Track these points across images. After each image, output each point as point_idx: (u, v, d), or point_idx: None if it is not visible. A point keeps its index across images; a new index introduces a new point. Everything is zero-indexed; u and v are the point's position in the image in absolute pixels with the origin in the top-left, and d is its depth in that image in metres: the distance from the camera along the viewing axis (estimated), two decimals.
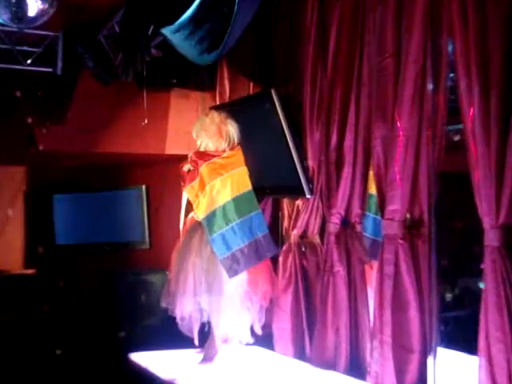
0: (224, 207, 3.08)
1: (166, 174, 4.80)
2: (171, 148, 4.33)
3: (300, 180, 3.18)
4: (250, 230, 3.13)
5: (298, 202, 3.36)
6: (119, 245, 5.18)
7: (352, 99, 2.95)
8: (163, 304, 3.17)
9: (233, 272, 3.05)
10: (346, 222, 3.06)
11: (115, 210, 5.17)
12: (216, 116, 3.23)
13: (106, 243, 5.14)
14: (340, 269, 3.02)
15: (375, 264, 2.78)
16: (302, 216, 3.30)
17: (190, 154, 3.21)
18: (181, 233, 3.35)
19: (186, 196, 3.29)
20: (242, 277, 3.10)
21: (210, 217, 3.06)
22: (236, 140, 3.26)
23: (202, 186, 3.10)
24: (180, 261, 3.15)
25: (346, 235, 3.06)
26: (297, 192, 3.26)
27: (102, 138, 4.22)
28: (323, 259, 3.13)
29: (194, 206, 3.14)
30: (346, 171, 3.01)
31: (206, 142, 3.21)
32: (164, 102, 4.28)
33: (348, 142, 3.01)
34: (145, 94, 3.92)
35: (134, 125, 4.07)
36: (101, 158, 4.61)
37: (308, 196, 3.21)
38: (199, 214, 3.11)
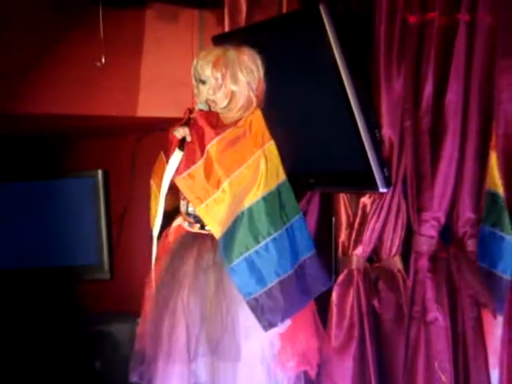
0: (250, 213, 3.02)
1: (137, 151, 4.76)
2: (147, 107, 4.33)
3: (368, 162, 3.17)
4: (292, 249, 3.10)
5: (365, 200, 3.38)
6: (60, 273, 5.19)
7: (460, 23, 2.97)
8: (133, 378, 3.17)
9: (270, 322, 3.04)
10: (448, 236, 3.12)
11: (53, 213, 5.18)
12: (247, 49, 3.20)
13: (36, 270, 5.14)
14: (439, 316, 3.07)
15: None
16: (372, 224, 3.33)
17: (194, 112, 3.15)
18: (153, 251, 3.27)
19: (166, 184, 3.21)
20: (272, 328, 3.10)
21: (230, 231, 3.01)
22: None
23: (214, 178, 3.06)
24: (161, 300, 3.15)
25: (449, 258, 3.11)
26: (363, 182, 3.27)
27: (29, 90, 4.17)
28: (409, 298, 3.18)
29: (200, 211, 3.10)
30: (449, 146, 3.06)
31: (240, 93, 3.14)
32: (134, 28, 4.29)
33: (452, 96, 3.03)
34: (100, 13, 3.93)
35: (84, 67, 4.09)
36: (27, 124, 4.62)
37: (382, 189, 3.21)
38: (213, 226, 3.07)
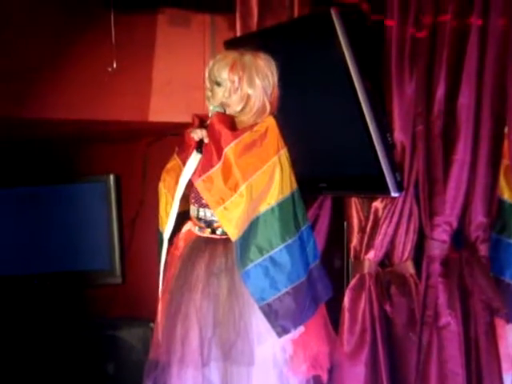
0: (266, 219, 3.01)
1: (149, 156, 4.77)
2: (158, 112, 4.32)
3: (380, 166, 3.16)
4: (304, 256, 3.09)
5: (377, 205, 3.38)
6: (72, 277, 5.18)
7: (473, 27, 2.97)
8: (147, 383, 3.14)
9: (284, 328, 3.02)
10: (460, 241, 3.12)
11: (65, 218, 5.16)
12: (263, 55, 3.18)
13: (48, 275, 5.14)
14: (451, 321, 3.07)
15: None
16: (384, 228, 3.32)
17: (211, 114, 3.11)
18: (162, 255, 3.25)
19: (182, 186, 3.17)
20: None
21: (246, 235, 3.01)
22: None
23: (232, 181, 3.04)
24: (174, 305, 3.14)
25: (462, 263, 3.11)
26: (375, 187, 3.27)
27: (41, 95, 4.17)
28: (421, 303, 3.17)
29: (218, 213, 3.09)
30: (462, 150, 3.05)
31: (256, 97, 3.11)
32: (146, 33, 4.28)
33: (464, 100, 3.03)
34: (112, 18, 3.92)
35: (96, 72, 4.08)
36: (39, 129, 4.60)
37: (394, 194, 3.20)
38: (230, 228, 3.06)
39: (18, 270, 5.18)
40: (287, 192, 3.04)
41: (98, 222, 5.16)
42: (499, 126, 2.99)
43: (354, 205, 3.50)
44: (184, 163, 3.12)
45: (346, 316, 3.38)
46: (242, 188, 3.01)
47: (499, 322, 3.09)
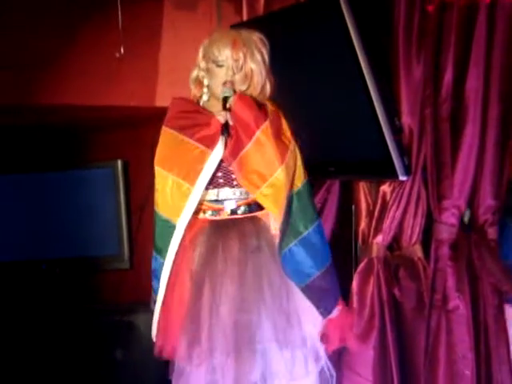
0: (299, 198, 2.99)
1: (157, 141, 4.75)
2: (166, 97, 4.09)
3: (388, 150, 3.16)
4: (325, 237, 3.10)
5: (385, 188, 3.38)
6: (80, 263, 5.20)
7: (481, 8, 2.96)
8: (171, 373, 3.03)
9: (326, 308, 3.00)
10: (469, 224, 3.12)
11: (73, 204, 5.17)
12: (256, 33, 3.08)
13: (56, 261, 5.16)
14: (460, 304, 3.08)
15: None
16: (392, 212, 3.33)
17: (222, 96, 2.97)
18: (174, 242, 3.04)
19: (210, 172, 2.97)
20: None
21: (285, 216, 2.94)
22: None
23: (269, 160, 2.93)
24: (206, 292, 2.96)
25: (470, 246, 3.10)
26: (382, 171, 3.27)
27: (47, 81, 4.18)
28: (429, 287, 3.18)
29: (258, 195, 2.97)
30: (470, 133, 3.05)
31: (258, 73, 3.00)
32: (153, 18, 4.29)
33: (473, 83, 3.03)
34: (119, 5, 3.94)
35: (103, 58, 4.09)
36: (47, 115, 4.61)
37: (402, 177, 3.21)
38: (273, 209, 2.97)
39: (27, 256, 5.21)
40: (306, 174, 3.03)
41: (106, 208, 5.17)
42: (507, 108, 2.97)
43: (362, 189, 3.51)
44: (199, 141, 2.96)
45: (355, 300, 3.38)
46: (281, 168, 2.91)
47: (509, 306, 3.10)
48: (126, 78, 4.24)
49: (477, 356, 3.06)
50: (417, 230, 3.31)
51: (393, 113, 3.19)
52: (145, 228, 5.08)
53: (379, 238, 3.36)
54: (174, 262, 3.02)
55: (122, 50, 3.95)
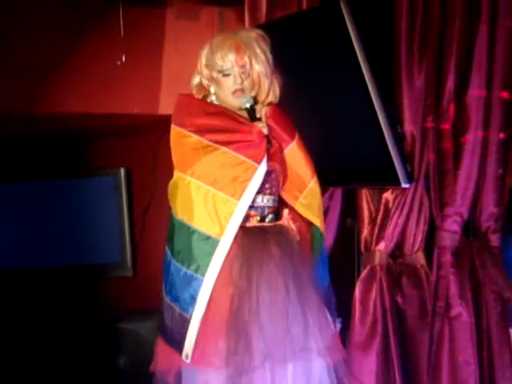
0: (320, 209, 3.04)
1: (159, 150, 4.76)
2: (168, 105, 4.19)
3: (390, 157, 3.16)
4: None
5: (387, 196, 3.38)
6: (83, 271, 5.20)
7: (483, 15, 2.96)
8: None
9: (333, 318, 2.98)
10: (471, 231, 3.12)
11: (76, 212, 5.16)
12: (252, 29, 3.07)
13: (59, 269, 5.15)
14: (463, 311, 3.07)
15: None
16: (395, 219, 3.33)
17: (244, 106, 2.85)
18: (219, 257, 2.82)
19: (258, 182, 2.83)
20: None
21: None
22: None
23: (304, 170, 2.93)
24: (250, 301, 2.79)
25: (473, 253, 3.10)
26: (385, 178, 3.26)
27: (49, 89, 4.18)
28: (432, 294, 3.18)
29: (297, 204, 2.93)
30: (472, 141, 3.05)
31: (264, 75, 2.85)
32: (155, 27, 4.28)
33: (475, 91, 3.03)
34: (121, 13, 3.93)
35: (105, 67, 4.09)
36: (49, 123, 4.61)
37: (404, 185, 3.21)
38: (315, 219, 2.94)
39: (30, 264, 5.20)
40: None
41: (109, 216, 5.17)
42: (509, 116, 2.97)
43: (365, 196, 3.50)
44: (246, 156, 2.76)
45: (358, 307, 3.38)
46: (315, 177, 2.92)
47: None
48: (128, 86, 4.23)
49: (480, 363, 3.05)
50: (419, 237, 3.31)
51: (395, 120, 3.19)
52: (148, 236, 5.09)
53: (382, 246, 3.36)
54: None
55: (123, 59, 3.95)
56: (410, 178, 3.19)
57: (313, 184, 2.91)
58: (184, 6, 4.26)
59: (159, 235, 4.83)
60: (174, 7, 4.27)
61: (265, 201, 2.87)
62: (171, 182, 2.86)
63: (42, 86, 4.09)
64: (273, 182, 2.86)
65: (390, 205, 3.33)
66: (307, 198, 2.89)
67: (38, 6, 3.93)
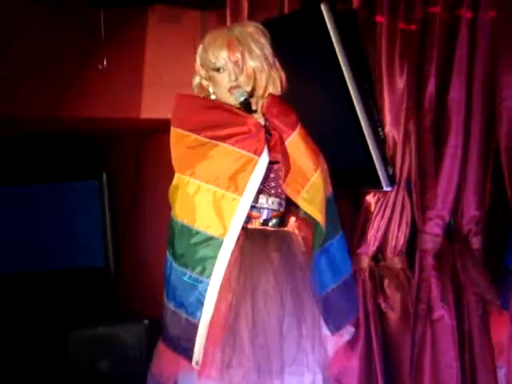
0: (331, 203, 2.88)
1: (142, 154, 4.76)
2: (150, 109, 4.31)
3: (372, 161, 3.17)
4: (344, 253, 2.97)
5: (369, 199, 3.37)
6: (64, 275, 5.19)
7: (462, 20, 2.97)
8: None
9: (336, 324, 2.85)
10: (453, 234, 3.13)
11: (59, 216, 5.18)
12: (249, 23, 2.91)
13: (41, 273, 5.15)
14: (445, 314, 3.07)
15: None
16: (377, 222, 3.32)
17: (239, 101, 2.74)
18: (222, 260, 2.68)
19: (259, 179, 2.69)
20: None
21: (327, 220, 2.83)
22: None
23: (306, 162, 2.79)
24: (243, 309, 2.69)
25: (455, 256, 3.11)
26: (367, 181, 3.27)
27: (30, 94, 4.16)
28: (414, 297, 3.18)
29: (299, 199, 2.77)
30: (453, 144, 3.05)
31: (261, 70, 2.76)
32: (137, 30, 4.28)
33: (455, 94, 3.03)
34: (102, 17, 3.92)
35: (86, 70, 4.09)
36: (30, 127, 4.61)
37: (386, 188, 3.22)
38: (317, 214, 2.78)
39: (12, 268, 5.18)
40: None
41: (91, 220, 5.17)
42: (490, 119, 2.97)
43: (347, 199, 3.49)
44: (243, 148, 2.64)
45: None
46: (318, 171, 2.77)
47: (496, 318, 3.10)
48: (109, 90, 4.22)
49: (462, 366, 3.05)
50: (401, 240, 3.30)
51: (377, 124, 3.19)
52: (130, 240, 5.09)
53: (364, 249, 3.35)
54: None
55: (105, 62, 3.94)
56: (392, 181, 3.19)
57: (316, 177, 2.75)
58: (166, 9, 4.25)
59: (141, 239, 4.85)
60: (156, 11, 4.26)
61: (269, 202, 2.75)
62: (171, 186, 2.72)
63: (23, 90, 4.07)
64: (277, 179, 2.74)
65: (372, 208, 3.32)
66: (310, 193, 2.74)
67: (18, 11, 3.92)
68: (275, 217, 2.76)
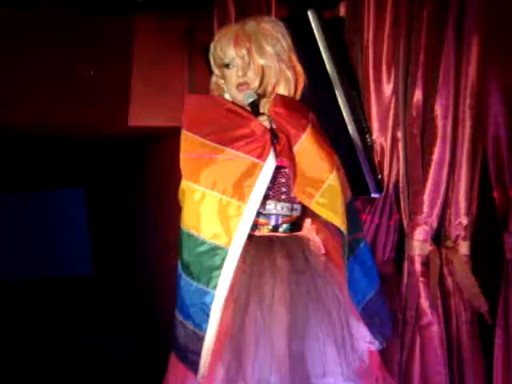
0: (352, 207, 2.70)
1: (131, 160, 4.76)
2: (138, 117, 4.27)
3: (360, 167, 3.18)
4: (372, 258, 2.77)
5: (357, 205, 3.33)
6: (51, 283, 5.19)
7: (449, 26, 2.97)
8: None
9: (383, 334, 2.66)
10: (441, 240, 3.11)
11: (44, 224, 5.20)
12: (267, 18, 2.77)
13: (27, 281, 5.15)
14: (433, 320, 3.06)
15: None
16: (365, 229, 3.28)
17: (246, 102, 2.60)
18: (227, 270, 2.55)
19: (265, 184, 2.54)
20: None
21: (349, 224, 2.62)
22: None
23: (319, 165, 2.59)
24: (252, 320, 2.55)
25: (442, 262, 3.10)
26: (355, 188, 3.08)
27: (16, 103, 4.15)
28: (402, 304, 3.18)
29: (313, 205, 2.56)
30: (440, 150, 3.06)
31: (270, 68, 2.63)
32: (124, 39, 4.26)
33: (442, 101, 3.03)
34: (90, 26, 3.93)
35: (72, 77, 4.08)
36: (16, 136, 4.61)
37: (374, 194, 3.23)
38: (337, 220, 2.56)
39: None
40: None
41: (79, 229, 5.17)
42: (477, 125, 2.98)
43: None
44: (248, 153, 2.51)
45: None
46: (333, 173, 2.57)
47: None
48: (97, 99, 4.22)
49: (450, 372, 3.05)
50: (389, 246, 3.30)
51: (364, 130, 3.21)
52: (120, 249, 5.08)
53: None
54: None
55: (91, 71, 3.93)
56: (380, 187, 3.20)
57: (331, 179, 2.54)
58: (154, 18, 4.24)
59: (132, 249, 4.83)
60: (144, 19, 4.25)
61: (278, 208, 2.61)
62: (179, 189, 2.60)
63: (8, 98, 4.07)
64: (289, 184, 2.57)
65: (360, 215, 3.31)
66: (325, 196, 2.54)
67: (5, 17, 3.91)
68: (286, 222, 2.63)
